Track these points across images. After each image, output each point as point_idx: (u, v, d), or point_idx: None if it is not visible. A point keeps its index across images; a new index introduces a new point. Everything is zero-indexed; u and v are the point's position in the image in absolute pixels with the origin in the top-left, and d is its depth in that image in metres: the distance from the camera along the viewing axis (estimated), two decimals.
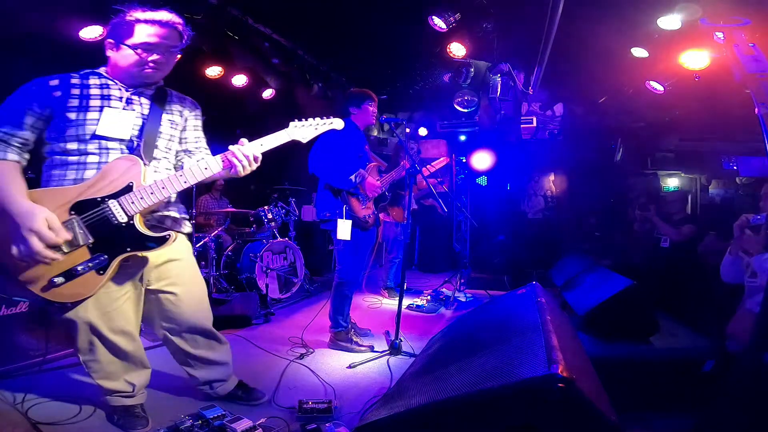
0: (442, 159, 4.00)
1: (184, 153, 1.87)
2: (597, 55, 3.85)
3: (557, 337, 1.30)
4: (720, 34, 2.25)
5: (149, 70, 1.65)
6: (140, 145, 1.66)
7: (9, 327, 2.23)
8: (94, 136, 1.61)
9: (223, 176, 1.75)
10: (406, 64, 5.04)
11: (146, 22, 1.61)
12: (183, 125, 1.86)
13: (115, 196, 1.58)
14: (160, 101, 1.76)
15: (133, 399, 1.86)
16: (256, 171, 1.74)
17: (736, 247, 2.29)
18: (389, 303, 4.23)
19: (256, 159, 1.69)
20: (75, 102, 1.60)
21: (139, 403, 1.88)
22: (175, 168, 1.83)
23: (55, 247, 1.49)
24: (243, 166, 1.67)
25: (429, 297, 4.32)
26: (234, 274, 4.10)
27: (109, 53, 1.67)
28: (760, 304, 1.67)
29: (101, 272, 1.58)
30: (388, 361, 2.68)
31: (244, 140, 1.68)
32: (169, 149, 1.80)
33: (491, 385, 1.18)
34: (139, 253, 1.65)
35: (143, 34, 1.61)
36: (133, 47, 1.61)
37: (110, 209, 1.57)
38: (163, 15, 1.63)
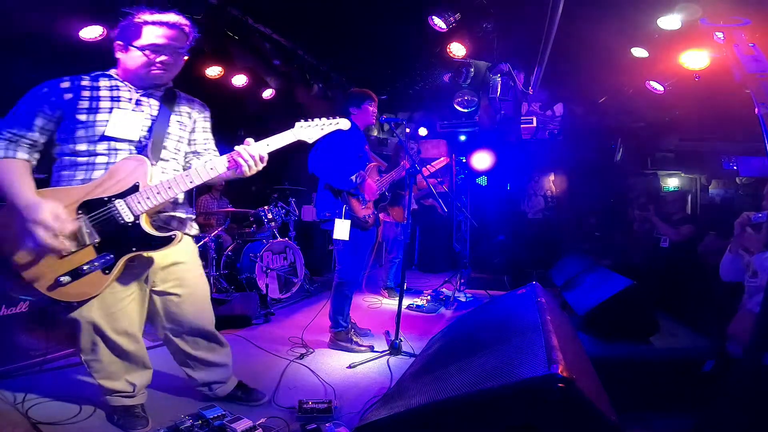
0: (442, 159, 4.01)
1: (193, 155, 1.89)
2: (597, 55, 3.85)
3: (557, 337, 1.30)
4: (720, 34, 2.25)
5: (157, 71, 1.68)
6: (148, 146, 1.68)
7: (9, 327, 2.23)
8: (104, 137, 1.63)
9: (229, 177, 1.76)
10: (406, 64, 5.03)
11: (154, 23, 1.64)
12: (192, 127, 1.87)
13: (122, 195, 1.59)
14: (168, 102, 1.78)
15: (134, 399, 1.86)
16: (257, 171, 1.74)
17: (736, 244, 2.29)
18: (389, 303, 4.23)
19: (262, 159, 1.69)
20: (85, 104, 1.63)
21: (140, 404, 1.88)
22: (183, 169, 1.84)
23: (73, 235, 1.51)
24: (249, 167, 1.67)
25: (429, 297, 4.32)
26: (234, 274, 4.10)
27: (119, 55, 1.70)
28: (760, 304, 1.66)
29: (107, 272, 1.59)
30: (388, 361, 2.68)
31: (250, 140, 1.68)
32: (178, 150, 1.82)
33: (491, 385, 1.18)
34: (145, 253, 1.66)
35: (151, 35, 1.63)
36: (142, 48, 1.64)
37: (117, 209, 1.58)
38: (171, 17, 1.66)
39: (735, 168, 5.07)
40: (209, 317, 1.98)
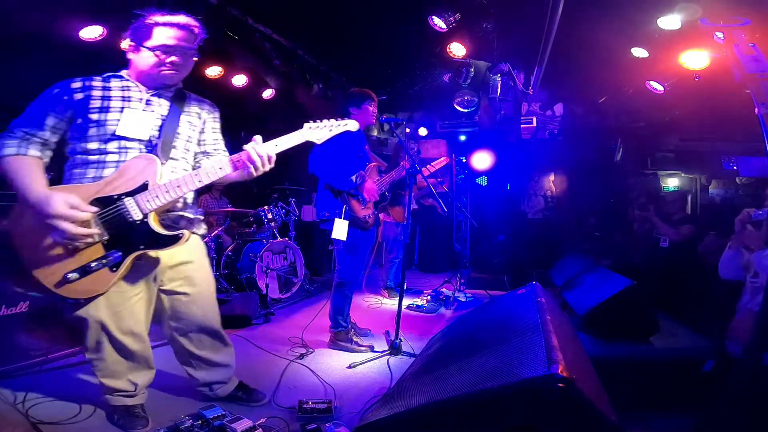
0: (442, 159, 4.01)
1: (203, 155, 1.91)
2: (597, 55, 3.85)
3: (557, 337, 1.30)
4: (720, 34, 2.25)
5: (168, 71, 1.71)
6: (158, 145, 1.70)
7: (9, 327, 2.23)
8: (114, 136, 1.66)
9: (236, 178, 1.79)
10: (406, 64, 5.03)
11: (164, 24, 1.67)
12: (201, 127, 1.90)
13: (131, 193, 1.62)
14: (178, 103, 1.81)
15: (134, 399, 1.86)
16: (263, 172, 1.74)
17: (736, 241, 2.29)
18: (389, 303, 4.23)
19: (270, 159, 1.70)
20: (97, 103, 1.66)
21: (140, 404, 1.88)
22: (192, 169, 1.85)
23: (85, 224, 1.54)
24: (256, 167, 1.68)
25: (429, 297, 4.32)
26: (234, 274, 4.10)
27: (130, 56, 1.74)
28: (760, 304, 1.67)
29: (114, 269, 1.61)
30: (388, 361, 2.68)
31: (258, 137, 1.69)
32: (188, 150, 1.84)
33: (491, 385, 1.18)
34: (152, 252, 1.68)
35: (162, 36, 1.67)
36: (152, 49, 1.67)
37: (126, 206, 1.60)
38: (181, 18, 1.70)
39: (735, 168, 5.07)
40: (216, 316, 1.99)
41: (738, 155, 4.94)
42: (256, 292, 3.81)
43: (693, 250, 3.78)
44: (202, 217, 1.92)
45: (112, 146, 1.66)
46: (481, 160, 6.25)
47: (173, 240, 1.66)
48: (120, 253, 1.60)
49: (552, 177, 6.50)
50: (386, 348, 2.84)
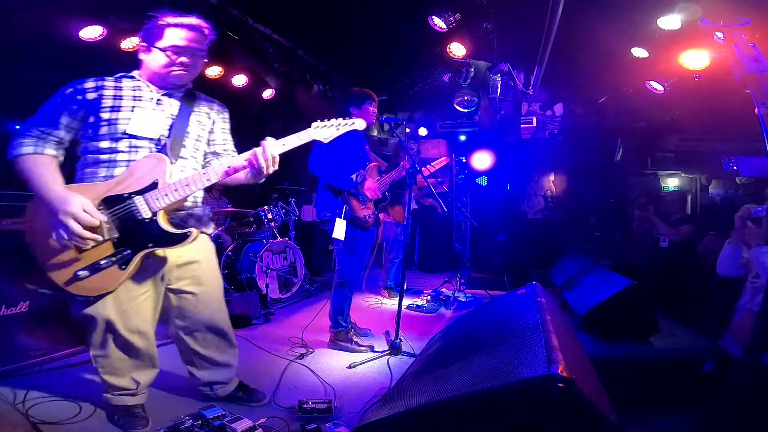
0: (442, 159, 4.00)
1: (213, 155, 1.93)
2: (597, 55, 3.85)
3: (557, 337, 1.30)
4: (720, 34, 2.25)
5: (178, 71, 1.75)
6: (168, 144, 1.73)
7: (9, 327, 2.23)
8: (125, 135, 1.69)
9: (243, 181, 1.81)
10: (406, 64, 5.03)
11: (176, 26, 1.72)
12: (210, 127, 1.92)
13: (141, 192, 1.64)
14: (188, 102, 1.85)
15: (135, 398, 1.87)
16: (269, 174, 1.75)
17: (736, 238, 2.29)
18: (389, 303, 4.23)
19: (274, 161, 1.71)
20: (108, 103, 1.69)
21: (140, 403, 1.89)
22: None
23: (93, 229, 1.57)
24: (265, 167, 1.69)
25: (429, 297, 4.32)
26: (234, 274, 4.09)
27: (142, 56, 1.77)
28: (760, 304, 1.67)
29: (123, 267, 1.63)
30: (388, 361, 2.68)
31: (270, 139, 1.71)
32: (197, 149, 1.86)
33: (491, 385, 1.18)
34: (161, 250, 1.70)
35: (173, 37, 1.71)
36: (163, 49, 1.71)
37: (135, 205, 1.63)
38: (191, 20, 1.75)
39: (735, 168, 5.07)
40: (223, 316, 2.00)
41: (738, 155, 4.94)
42: (256, 292, 3.81)
43: (692, 250, 3.78)
44: (211, 215, 1.94)
45: (122, 145, 1.69)
46: (481, 160, 6.25)
47: (182, 238, 1.68)
48: (129, 251, 1.63)
49: (552, 177, 6.50)
50: (386, 348, 2.84)
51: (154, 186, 1.64)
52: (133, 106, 1.71)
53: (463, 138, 6.57)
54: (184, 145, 1.79)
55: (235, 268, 4.08)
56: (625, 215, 5.24)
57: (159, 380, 2.01)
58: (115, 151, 1.68)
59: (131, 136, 1.69)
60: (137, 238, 1.64)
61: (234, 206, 4.83)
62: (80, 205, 1.53)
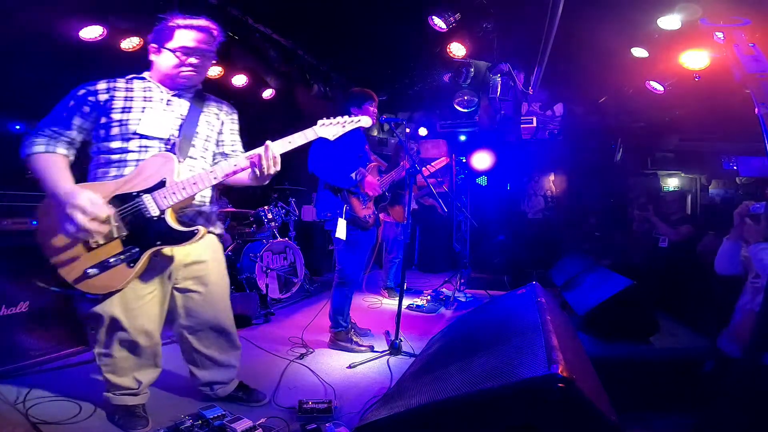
0: (442, 159, 4.00)
1: (221, 156, 1.94)
2: (597, 55, 3.84)
3: (557, 337, 1.30)
4: (720, 34, 2.25)
5: (187, 72, 1.77)
6: (177, 144, 1.75)
7: (9, 327, 2.23)
8: (135, 135, 1.71)
9: (249, 182, 1.83)
10: (406, 64, 5.03)
11: (186, 27, 1.75)
12: (219, 127, 1.94)
13: (149, 190, 1.66)
14: (198, 103, 1.87)
15: (136, 398, 1.87)
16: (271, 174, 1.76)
17: (735, 234, 2.29)
18: (389, 303, 4.23)
19: (275, 160, 1.72)
20: (119, 103, 1.72)
21: (141, 404, 1.89)
22: None
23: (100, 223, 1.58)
24: (269, 166, 1.71)
25: (429, 297, 4.32)
26: (234, 274, 4.08)
27: (152, 57, 1.80)
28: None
29: (131, 265, 1.64)
30: (388, 361, 2.68)
31: (272, 142, 1.72)
32: (206, 149, 1.88)
33: (491, 385, 1.18)
34: (168, 248, 1.72)
35: (182, 38, 1.74)
36: (173, 50, 1.74)
37: (144, 203, 1.65)
38: (201, 21, 1.78)
39: (735, 168, 5.07)
40: (228, 316, 2.01)
41: (738, 155, 4.94)
42: (256, 292, 3.81)
43: (692, 250, 3.77)
44: (218, 211, 1.95)
45: (133, 145, 1.71)
46: (481, 160, 6.25)
47: (189, 236, 1.69)
48: (137, 249, 1.64)
49: (552, 177, 6.50)
50: (386, 348, 2.84)
51: (162, 184, 1.66)
52: (144, 107, 1.74)
53: (463, 138, 6.57)
54: (193, 145, 1.81)
55: (235, 268, 4.08)
56: (625, 215, 5.24)
57: (159, 380, 2.02)
58: (126, 151, 1.70)
59: (142, 136, 1.71)
60: (145, 236, 1.66)
61: (234, 206, 4.82)
62: (88, 199, 1.55)
